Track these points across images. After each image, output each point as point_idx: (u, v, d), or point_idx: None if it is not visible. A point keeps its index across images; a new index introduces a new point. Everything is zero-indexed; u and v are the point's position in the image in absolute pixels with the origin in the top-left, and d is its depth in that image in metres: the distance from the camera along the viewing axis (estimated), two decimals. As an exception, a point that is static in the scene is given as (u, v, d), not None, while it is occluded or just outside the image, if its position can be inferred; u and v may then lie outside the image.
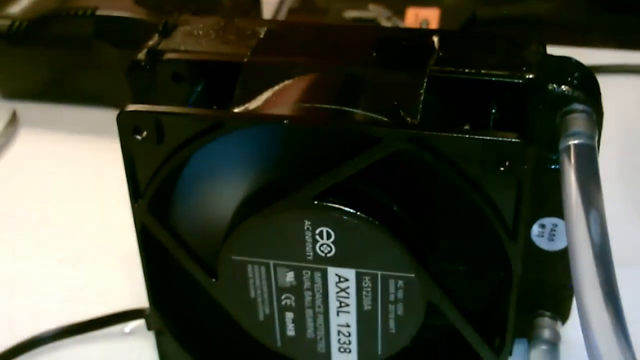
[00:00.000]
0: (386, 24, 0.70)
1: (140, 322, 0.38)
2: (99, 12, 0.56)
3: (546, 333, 0.36)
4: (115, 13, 0.56)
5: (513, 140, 0.28)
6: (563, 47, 0.63)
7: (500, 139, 0.28)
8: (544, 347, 0.36)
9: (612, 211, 0.29)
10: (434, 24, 0.70)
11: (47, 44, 0.58)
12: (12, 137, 0.57)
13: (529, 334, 0.37)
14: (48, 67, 0.59)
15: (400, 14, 0.71)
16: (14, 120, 0.58)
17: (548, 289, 0.36)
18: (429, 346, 0.35)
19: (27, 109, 0.60)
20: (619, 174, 0.49)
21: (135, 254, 0.34)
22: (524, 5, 0.80)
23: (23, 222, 0.50)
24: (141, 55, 0.34)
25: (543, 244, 0.35)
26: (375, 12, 0.71)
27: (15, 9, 0.59)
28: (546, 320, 0.37)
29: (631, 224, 0.45)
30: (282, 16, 0.76)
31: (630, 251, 0.39)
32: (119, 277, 0.44)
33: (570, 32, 0.73)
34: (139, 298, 0.37)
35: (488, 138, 0.28)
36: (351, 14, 0.72)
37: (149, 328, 0.36)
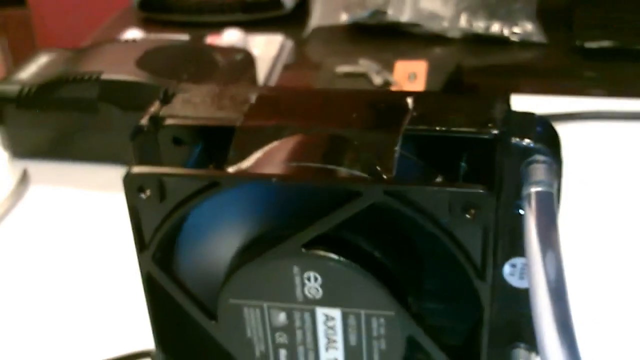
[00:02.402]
0: (376, 77, 0.73)
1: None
2: (104, 77, 0.60)
3: (521, 363, 0.39)
4: (119, 77, 0.60)
5: (477, 191, 0.31)
6: (544, 96, 0.66)
7: (466, 190, 0.31)
8: (520, 376, 0.38)
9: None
10: (421, 76, 0.73)
11: (55, 107, 0.61)
12: (23, 194, 0.61)
13: (507, 366, 0.39)
14: (56, 128, 0.62)
15: (389, 68, 0.74)
16: (24, 179, 0.62)
17: (522, 322, 0.39)
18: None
19: (37, 168, 0.63)
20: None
21: (140, 301, 0.37)
22: (506, 55, 0.83)
23: (32, 276, 0.53)
24: (144, 122, 0.36)
25: (514, 282, 0.37)
26: (366, 67, 0.75)
27: (24, 75, 0.63)
28: (521, 352, 0.39)
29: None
30: (277, 72, 0.79)
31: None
32: (127, 322, 0.47)
33: (550, 80, 0.77)
34: (145, 340, 0.40)
35: (454, 190, 0.31)
36: (343, 69, 0.75)
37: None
